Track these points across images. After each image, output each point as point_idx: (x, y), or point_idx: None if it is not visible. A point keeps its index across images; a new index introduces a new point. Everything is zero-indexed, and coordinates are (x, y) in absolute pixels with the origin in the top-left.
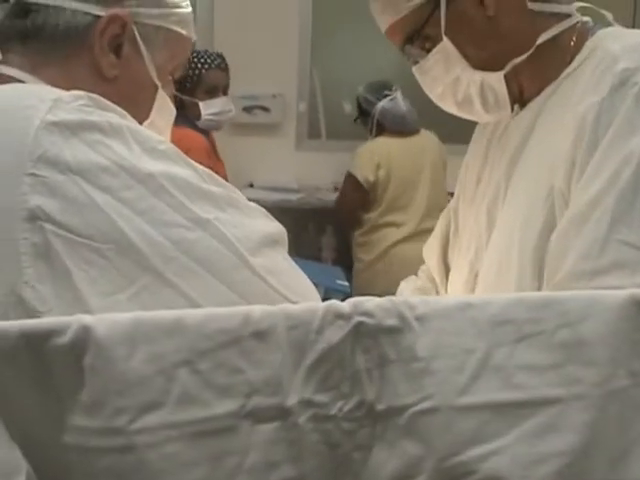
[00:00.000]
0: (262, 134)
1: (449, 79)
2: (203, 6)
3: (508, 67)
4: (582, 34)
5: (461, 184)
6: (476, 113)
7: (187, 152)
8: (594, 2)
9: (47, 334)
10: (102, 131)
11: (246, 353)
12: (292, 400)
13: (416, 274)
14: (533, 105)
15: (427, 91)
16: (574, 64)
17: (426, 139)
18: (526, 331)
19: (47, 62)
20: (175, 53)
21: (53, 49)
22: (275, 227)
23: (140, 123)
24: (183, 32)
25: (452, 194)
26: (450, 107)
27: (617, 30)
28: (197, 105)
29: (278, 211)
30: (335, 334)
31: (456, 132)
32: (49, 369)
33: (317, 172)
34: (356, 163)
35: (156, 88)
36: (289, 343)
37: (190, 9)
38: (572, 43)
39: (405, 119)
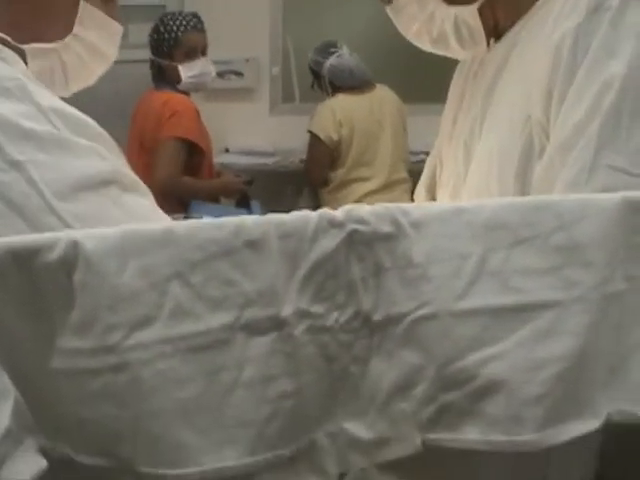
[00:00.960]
0: (236, 99)
1: (423, 16)
2: None
3: (481, 0)
4: None
5: (441, 126)
6: (452, 50)
7: (175, 115)
8: None
9: (35, 250)
10: None
11: (239, 264)
12: (287, 311)
13: None
14: (507, 37)
15: (402, 31)
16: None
17: (383, 93)
18: (521, 235)
19: None
20: None
21: None
22: (105, 167)
23: (62, 36)
24: None
25: (414, 153)
26: (426, 45)
27: None
28: (176, 68)
29: (255, 175)
30: (329, 243)
31: (413, 92)
32: (38, 287)
33: (292, 135)
34: (317, 123)
35: (77, 1)
36: (282, 252)
37: None
38: None
39: (353, 72)
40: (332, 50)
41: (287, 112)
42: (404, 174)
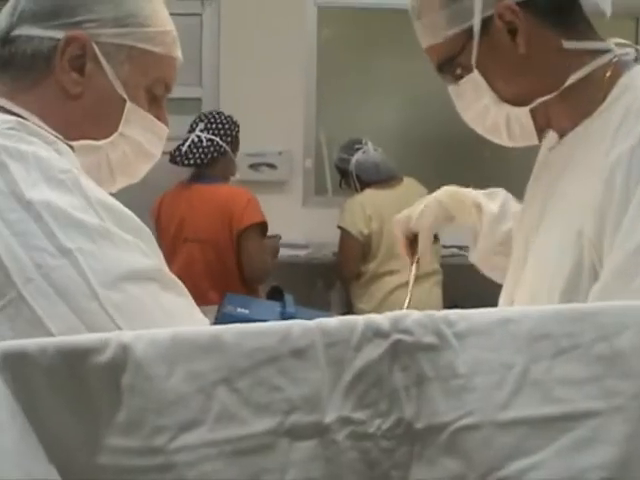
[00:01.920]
0: (269, 191)
1: (478, 107)
2: (209, 65)
3: (535, 104)
4: (617, 69)
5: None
6: (503, 140)
7: (250, 203)
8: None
9: (85, 352)
10: (9, 155)
11: (284, 371)
12: (330, 417)
13: None
14: (567, 140)
15: (460, 112)
16: (608, 100)
17: (410, 187)
18: (563, 345)
19: (21, 87)
20: (145, 69)
21: (25, 75)
22: (148, 264)
23: (108, 135)
24: (153, 49)
25: (445, 246)
26: (480, 131)
27: None
28: (234, 163)
29: (287, 267)
30: (373, 352)
31: (442, 185)
32: (86, 388)
33: (324, 228)
34: (347, 218)
35: (124, 102)
36: (327, 360)
37: (168, 27)
38: (605, 78)
39: (379, 167)
40: (357, 147)
41: (320, 205)
42: (435, 266)
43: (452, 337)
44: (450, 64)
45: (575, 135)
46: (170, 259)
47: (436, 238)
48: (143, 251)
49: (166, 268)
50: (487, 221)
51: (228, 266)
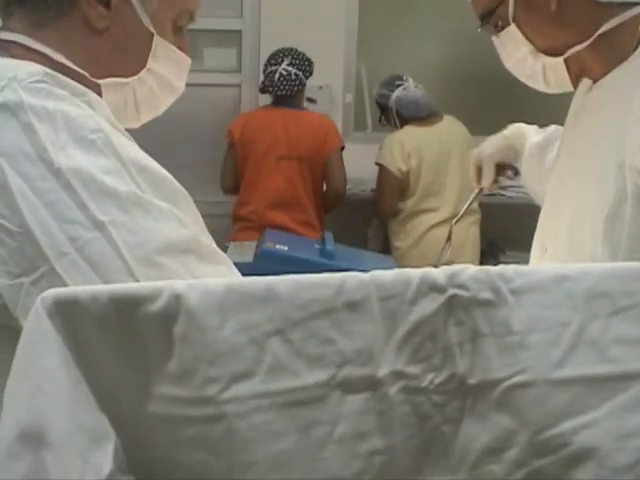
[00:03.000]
0: None
1: (517, 57)
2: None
3: (568, 53)
4: None
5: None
6: (541, 87)
7: (337, 133)
8: None
9: (138, 301)
10: (37, 115)
11: (338, 323)
12: (383, 371)
13: None
14: (602, 85)
15: (503, 61)
16: (638, 51)
17: (450, 125)
18: (621, 304)
19: (42, 23)
20: (172, 1)
21: (46, 8)
22: (184, 234)
23: (136, 71)
24: None
25: None
26: (521, 78)
27: None
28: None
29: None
30: (428, 306)
31: (480, 124)
32: (138, 336)
33: (363, 163)
34: (386, 155)
35: (152, 36)
36: (382, 314)
37: None
38: (637, 31)
39: (419, 104)
40: (398, 83)
41: (359, 140)
42: (474, 205)
43: (508, 293)
44: (490, 17)
45: (610, 80)
46: (259, 175)
47: (517, 173)
48: (179, 219)
49: (205, 237)
50: (528, 149)
51: (319, 182)
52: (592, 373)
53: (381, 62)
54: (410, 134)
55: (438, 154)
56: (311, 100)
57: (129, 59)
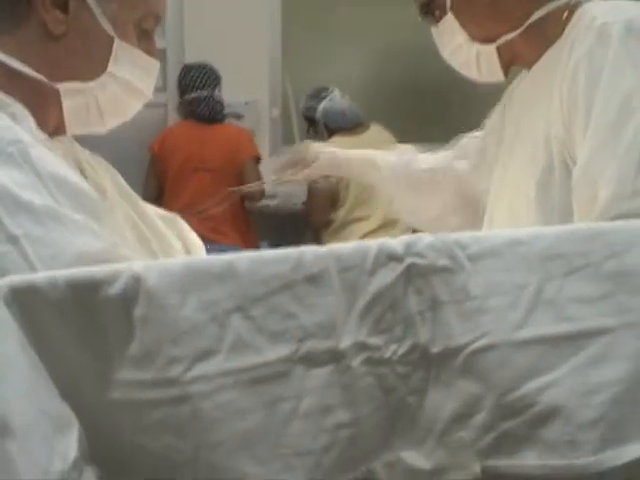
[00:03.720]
0: None
1: (453, 46)
2: (172, 16)
3: (500, 41)
4: (573, 6)
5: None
6: (474, 75)
7: (250, 142)
8: None
9: (96, 284)
10: None
11: (299, 297)
12: (346, 343)
13: None
14: (533, 71)
15: (440, 51)
16: (565, 32)
17: (377, 134)
18: (575, 264)
19: (1, 29)
20: (134, 3)
21: (4, 16)
22: (98, 247)
23: (96, 76)
24: None
25: None
26: (455, 67)
27: (600, 2)
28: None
29: (256, 217)
30: (387, 276)
31: (407, 132)
32: (97, 321)
33: None
34: None
35: (112, 40)
36: (341, 286)
37: None
38: (564, 16)
39: (345, 114)
40: (324, 95)
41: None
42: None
43: (465, 259)
44: (429, 6)
45: (539, 65)
46: (177, 187)
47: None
48: (94, 232)
49: (124, 248)
50: (388, 168)
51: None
52: (552, 333)
53: (306, 75)
54: (338, 145)
55: None
56: (237, 116)
57: (88, 63)
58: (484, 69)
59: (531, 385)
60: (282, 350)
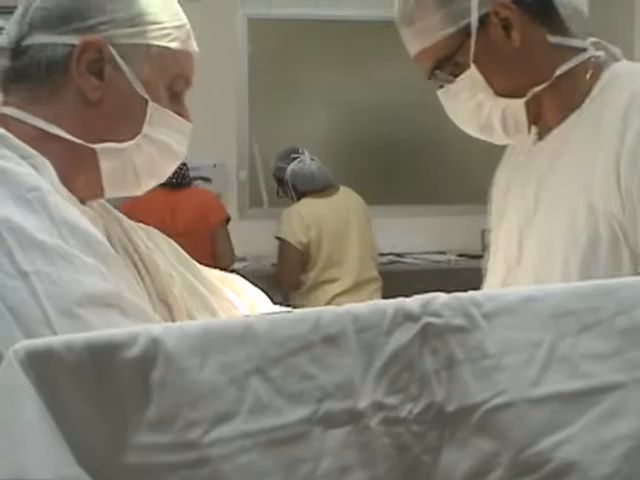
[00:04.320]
0: None
1: (473, 104)
2: None
3: (529, 95)
4: (598, 66)
5: (492, 217)
6: (496, 136)
7: (220, 205)
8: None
9: (114, 347)
10: None
11: (317, 358)
12: (363, 403)
13: None
14: (559, 131)
15: (450, 114)
16: (594, 92)
17: (347, 195)
18: (586, 321)
19: (38, 98)
20: (164, 66)
21: (41, 85)
22: (107, 289)
23: (132, 137)
24: (169, 45)
25: (382, 254)
26: (473, 130)
27: (627, 63)
28: None
29: None
30: (404, 336)
31: (376, 194)
32: (114, 384)
33: (261, 240)
34: (285, 228)
35: (146, 102)
36: (359, 346)
37: (182, 22)
38: (589, 75)
39: (314, 177)
40: (294, 156)
41: (256, 217)
42: (374, 273)
43: (480, 318)
44: (446, 64)
45: (567, 126)
46: None
47: None
48: (104, 275)
49: (131, 294)
50: None
51: (205, 254)
52: (566, 389)
53: (273, 138)
54: (308, 206)
55: (337, 224)
56: (205, 179)
57: (124, 126)
58: (511, 127)
59: (547, 442)
60: (301, 411)
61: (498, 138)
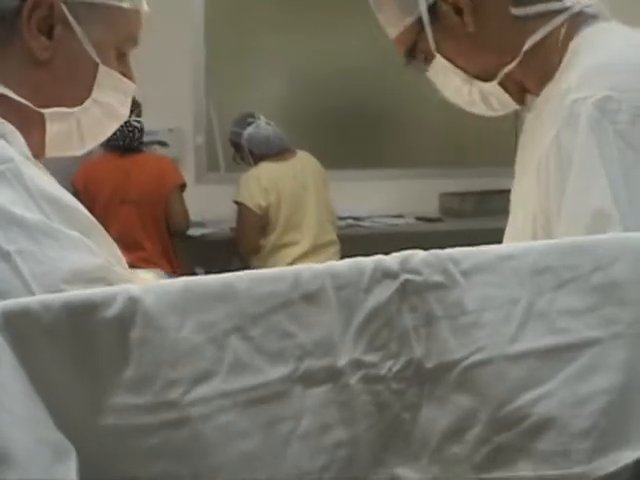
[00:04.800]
0: None
1: (452, 87)
2: None
3: (500, 76)
4: (572, 29)
5: None
6: (484, 112)
7: (175, 170)
8: None
9: (92, 307)
10: None
11: (296, 316)
12: (343, 361)
13: None
14: (534, 107)
15: (442, 92)
16: (561, 66)
17: (304, 159)
18: (564, 277)
19: None
20: (116, 27)
21: None
22: (94, 263)
23: (80, 101)
24: (121, 4)
25: (341, 218)
26: (463, 106)
27: (601, 33)
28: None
29: (184, 245)
30: (383, 293)
31: (334, 159)
32: (92, 344)
33: (219, 204)
34: (244, 192)
35: (96, 65)
36: (338, 303)
37: None
38: (561, 39)
39: (270, 140)
40: (250, 121)
41: (213, 181)
42: (332, 236)
43: (459, 275)
44: (413, 52)
45: (539, 101)
46: (105, 222)
47: None
48: (90, 248)
49: (119, 266)
50: None
51: (160, 220)
52: (544, 345)
53: (231, 102)
54: (266, 170)
55: (295, 187)
56: (162, 143)
57: (74, 89)
58: (495, 105)
59: (525, 398)
60: (281, 370)
61: (487, 114)
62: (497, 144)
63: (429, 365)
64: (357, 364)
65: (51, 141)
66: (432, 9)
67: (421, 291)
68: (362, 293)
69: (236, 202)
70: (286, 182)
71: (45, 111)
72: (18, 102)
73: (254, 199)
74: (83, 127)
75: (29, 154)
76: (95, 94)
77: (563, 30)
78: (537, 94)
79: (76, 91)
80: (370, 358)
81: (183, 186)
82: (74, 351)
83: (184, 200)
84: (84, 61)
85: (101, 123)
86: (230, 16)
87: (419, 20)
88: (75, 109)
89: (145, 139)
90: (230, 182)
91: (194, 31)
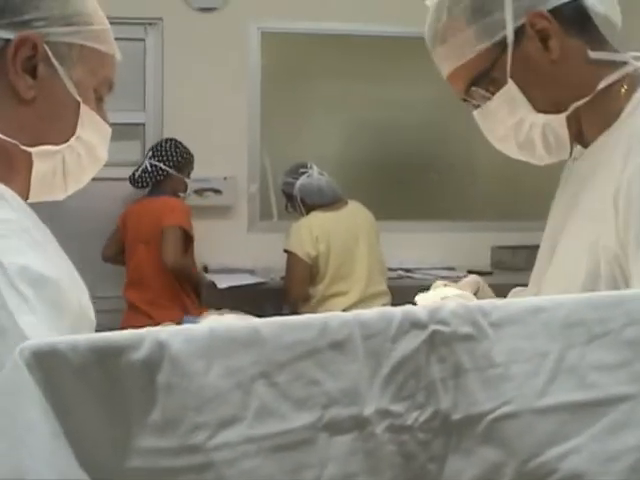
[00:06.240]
0: (214, 216)
1: (512, 122)
2: (152, 90)
3: (570, 109)
4: (634, 82)
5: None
6: (537, 155)
7: (173, 211)
8: None
9: (119, 349)
10: None
11: (323, 364)
12: (369, 410)
13: None
14: (590, 151)
15: (487, 134)
16: (623, 115)
17: (356, 209)
18: (595, 331)
19: None
20: (94, 69)
21: None
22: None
23: (66, 140)
24: (100, 47)
25: (392, 269)
26: (511, 150)
27: None
28: (181, 181)
29: (234, 293)
30: (411, 343)
31: (385, 209)
32: (119, 386)
33: (270, 252)
34: (294, 241)
35: (78, 104)
36: (365, 352)
37: (107, 26)
38: (623, 91)
39: (322, 191)
40: (302, 171)
41: (265, 230)
42: (383, 287)
43: (488, 327)
44: (482, 81)
45: (596, 147)
46: (128, 260)
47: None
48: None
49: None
50: None
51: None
52: (573, 400)
53: (284, 152)
54: (317, 219)
55: (346, 237)
56: (216, 191)
57: (59, 127)
58: (552, 144)
59: (552, 452)
60: (306, 417)
61: (538, 157)
62: (549, 198)
63: (456, 417)
64: (383, 413)
65: (36, 183)
66: (515, 34)
67: (449, 342)
68: (390, 342)
69: (286, 250)
70: (337, 232)
71: (33, 150)
72: (4, 141)
73: (304, 248)
74: (67, 166)
75: (12, 197)
76: (79, 131)
77: (627, 80)
78: (589, 140)
79: (61, 129)
80: (396, 408)
81: (183, 230)
82: (102, 392)
83: (176, 240)
84: (67, 100)
85: (83, 165)
86: (286, 66)
87: (497, 45)
88: (61, 146)
89: (199, 186)
90: (282, 230)
91: (251, 80)
